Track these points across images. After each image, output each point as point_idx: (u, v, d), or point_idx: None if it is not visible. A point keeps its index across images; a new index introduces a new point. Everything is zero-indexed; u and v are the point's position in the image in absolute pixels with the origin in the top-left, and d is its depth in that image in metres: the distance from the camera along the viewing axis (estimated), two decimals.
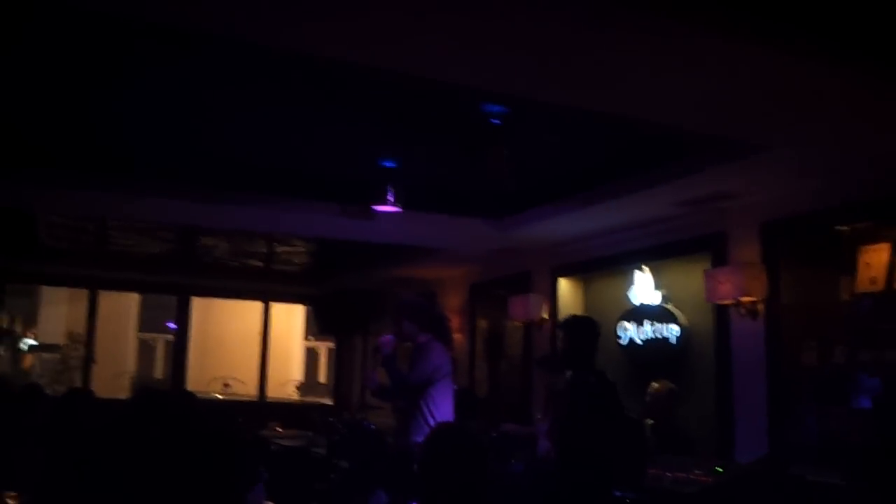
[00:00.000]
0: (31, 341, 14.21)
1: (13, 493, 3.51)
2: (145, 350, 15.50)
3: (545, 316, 7.52)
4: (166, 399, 4.25)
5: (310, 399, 13.68)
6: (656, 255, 6.40)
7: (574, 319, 4.91)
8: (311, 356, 16.10)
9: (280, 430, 8.29)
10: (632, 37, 3.05)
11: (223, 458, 2.32)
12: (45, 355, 13.76)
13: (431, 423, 4.76)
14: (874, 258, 4.73)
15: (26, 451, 4.02)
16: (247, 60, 3.90)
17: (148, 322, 15.01)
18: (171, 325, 12.20)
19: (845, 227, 4.96)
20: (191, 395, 5.21)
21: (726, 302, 5.45)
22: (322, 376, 15.84)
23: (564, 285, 7.53)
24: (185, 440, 2.70)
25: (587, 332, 4.77)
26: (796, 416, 5.12)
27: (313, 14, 2.91)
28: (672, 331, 6.27)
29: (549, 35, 3.04)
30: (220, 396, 11.52)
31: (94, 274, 10.56)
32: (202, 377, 12.46)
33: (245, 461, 2.79)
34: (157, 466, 2.45)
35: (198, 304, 12.19)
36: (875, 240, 4.75)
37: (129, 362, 14.74)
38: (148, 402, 3.87)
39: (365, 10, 2.87)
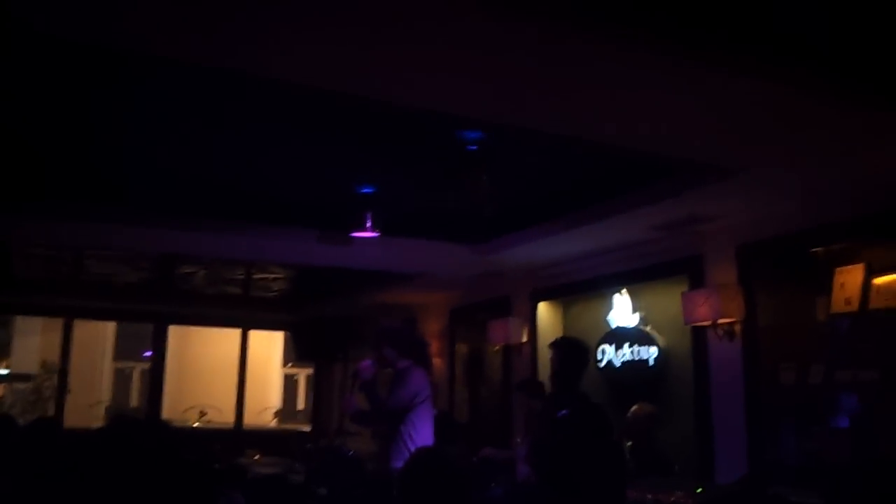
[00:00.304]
0: (3, 371, 14.00)
1: None
2: (121, 379, 15.32)
3: (525, 340, 7.51)
4: (139, 427, 4.18)
5: (288, 426, 13.56)
6: (634, 279, 6.43)
7: (566, 341, 4.90)
8: (289, 383, 15.99)
9: (258, 457, 8.19)
10: (607, 66, 3.07)
11: (194, 486, 2.28)
12: (19, 385, 13.55)
13: (411, 448, 4.73)
14: (849, 279, 4.78)
15: None
16: (224, 88, 3.89)
17: (124, 351, 14.85)
18: (148, 354, 12.06)
19: (820, 249, 5.01)
20: (165, 423, 5.13)
21: (704, 324, 5.47)
22: (301, 403, 15.73)
23: (544, 309, 7.54)
24: (156, 468, 2.66)
25: (578, 354, 4.77)
26: (775, 437, 5.14)
27: (291, 42, 2.91)
28: (650, 353, 6.29)
29: (525, 64, 3.06)
30: (197, 425, 11.38)
31: (70, 303, 10.44)
32: (179, 406, 12.34)
33: (217, 489, 2.75)
34: (126, 494, 2.40)
35: (175, 332, 12.08)
36: (850, 261, 4.80)
37: (105, 391, 14.56)
38: (119, 430, 3.79)
39: (342, 40, 2.88)
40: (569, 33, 2.82)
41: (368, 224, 5.59)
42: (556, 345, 4.78)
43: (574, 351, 4.72)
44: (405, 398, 4.97)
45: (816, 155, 4.09)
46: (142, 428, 4.22)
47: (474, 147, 4.46)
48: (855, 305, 4.72)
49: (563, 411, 4.50)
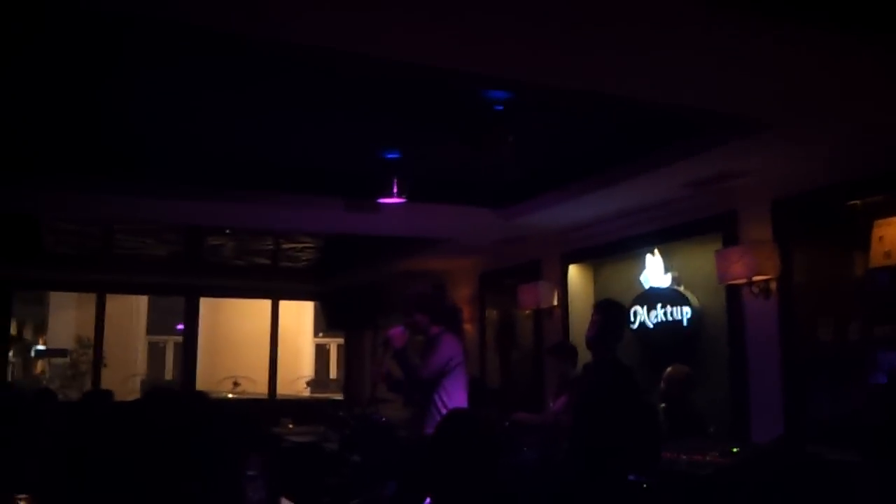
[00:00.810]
0: (40, 347, 14.26)
1: (24, 496, 3.48)
2: (155, 352, 15.53)
3: (555, 303, 7.46)
4: (176, 398, 4.21)
5: (321, 395, 13.70)
6: (666, 238, 6.33)
7: (610, 303, 4.82)
8: (321, 352, 16.11)
9: (291, 426, 8.28)
10: (637, 17, 2.99)
11: (229, 455, 2.28)
12: (56, 360, 13.81)
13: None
14: (888, 232, 4.65)
15: (37, 454, 3.99)
16: (247, 57, 3.85)
17: (157, 324, 15.04)
18: (181, 327, 12.20)
19: (858, 202, 4.88)
20: (202, 394, 5.16)
21: (738, 282, 5.38)
22: (333, 372, 15.86)
23: (574, 272, 7.47)
24: (193, 438, 2.66)
25: (622, 317, 4.74)
26: (812, 395, 5.06)
27: (315, 4, 2.86)
28: (684, 313, 6.21)
29: (553, 17, 2.98)
30: (231, 395, 11.52)
31: (102, 278, 10.55)
32: (212, 377, 12.49)
33: (252, 458, 2.77)
34: (162, 463, 2.41)
35: (206, 305, 12.17)
36: (888, 213, 4.66)
37: (139, 365, 14.79)
38: (157, 400, 3.82)
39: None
40: None
41: (395, 190, 5.55)
42: (600, 307, 4.71)
43: (617, 314, 4.67)
44: (438, 365, 4.94)
45: (852, 107, 3.97)
46: (180, 399, 4.27)
47: (500, 108, 4.38)
48: (894, 259, 4.59)
49: (602, 375, 4.46)
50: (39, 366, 14.48)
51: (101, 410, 4.20)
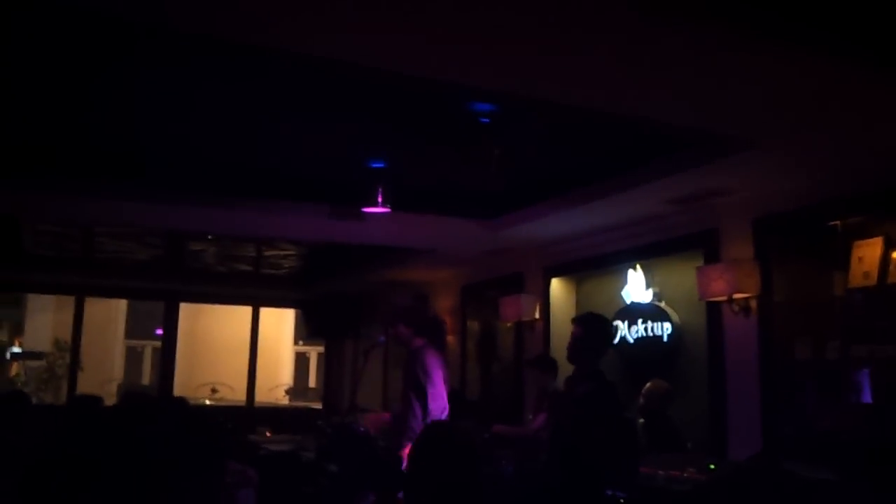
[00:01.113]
0: (16, 349, 14.09)
1: None
2: (133, 357, 15.39)
3: (537, 316, 7.47)
4: (153, 404, 4.17)
5: (299, 403, 13.62)
6: (648, 254, 6.36)
7: (591, 316, 4.79)
8: (301, 360, 16.03)
9: (269, 434, 8.22)
10: (621, 34, 3.01)
11: (208, 462, 2.26)
12: (32, 363, 13.64)
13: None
14: (867, 253, 4.69)
15: (8, 458, 3.93)
16: (233, 62, 3.83)
17: (135, 329, 14.91)
18: (159, 332, 12.09)
19: (838, 222, 4.93)
20: (181, 400, 5.11)
21: (719, 299, 5.41)
22: (312, 381, 15.77)
23: (556, 285, 7.48)
24: (170, 444, 2.64)
25: (602, 331, 4.68)
26: (790, 413, 5.08)
27: (302, 10, 2.86)
28: (664, 329, 6.23)
29: (540, 33, 3.00)
30: (209, 402, 11.43)
31: (81, 281, 10.46)
32: (190, 383, 12.39)
33: (231, 466, 2.76)
34: (140, 469, 2.38)
35: (186, 310, 12.09)
36: (868, 234, 4.71)
37: (117, 369, 14.65)
38: (134, 406, 3.78)
39: (353, 8, 2.82)
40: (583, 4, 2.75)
41: (380, 199, 5.54)
42: (581, 320, 4.66)
43: (598, 327, 4.61)
44: (443, 379, 4.96)
45: (835, 128, 4.02)
46: (156, 404, 4.22)
47: (486, 120, 4.39)
48: (873, 280, 4.63)
49: (583, 389, 4.44)
50: (14, 368, 14.30)
51: (89, 416, 4.15)
